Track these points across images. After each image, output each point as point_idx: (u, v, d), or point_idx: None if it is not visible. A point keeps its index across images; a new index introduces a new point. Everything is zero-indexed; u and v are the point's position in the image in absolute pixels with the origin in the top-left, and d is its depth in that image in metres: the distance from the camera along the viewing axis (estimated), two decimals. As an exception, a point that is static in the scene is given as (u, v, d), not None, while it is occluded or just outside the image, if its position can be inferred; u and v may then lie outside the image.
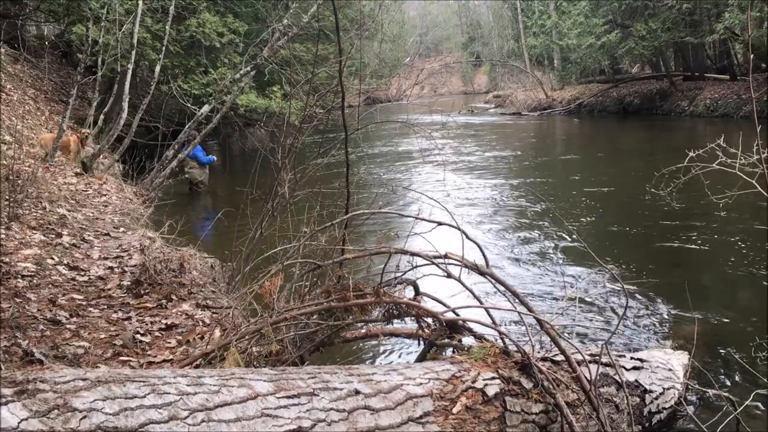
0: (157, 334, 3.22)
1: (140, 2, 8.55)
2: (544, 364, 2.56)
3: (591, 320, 4.55)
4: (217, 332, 3.18)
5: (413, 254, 2.94)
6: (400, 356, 4.06)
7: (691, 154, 3.64)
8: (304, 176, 4.85)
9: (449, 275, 2.83)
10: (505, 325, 4.16)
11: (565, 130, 20.94)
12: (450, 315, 2.83)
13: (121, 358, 2.91)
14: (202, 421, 1.67)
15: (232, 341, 2.55)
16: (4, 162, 5.63)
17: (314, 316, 2.90)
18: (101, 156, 8.37)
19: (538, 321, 2.62)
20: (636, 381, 2.89)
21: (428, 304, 2.96)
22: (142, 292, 3.73)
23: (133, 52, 8.69)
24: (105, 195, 6.91)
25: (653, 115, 21.64)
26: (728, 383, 3.54)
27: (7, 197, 4.81)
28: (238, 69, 10.82)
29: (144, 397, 1.62)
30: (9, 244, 4.25)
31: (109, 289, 3.75)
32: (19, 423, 1.39)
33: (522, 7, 33.32)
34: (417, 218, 3.26)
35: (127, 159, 8.99)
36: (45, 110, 10.20)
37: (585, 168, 12.20)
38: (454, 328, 2.84)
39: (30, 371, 1.59)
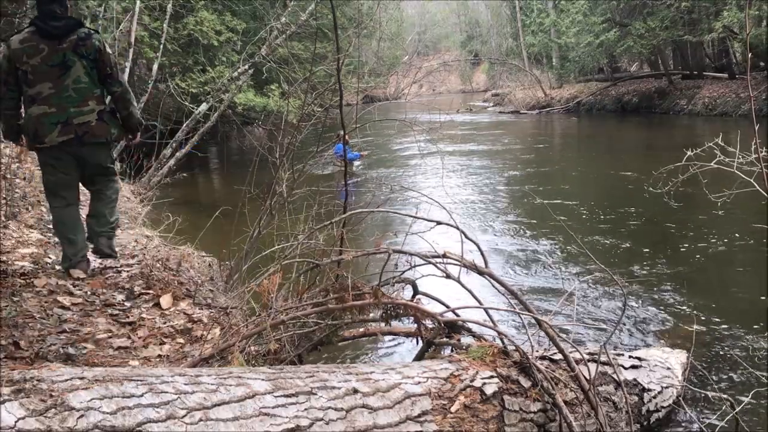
0: (154, 332, 3.22)
1: (138, 0, 8.53)
2: (542, 363, 2.55)
3: (589, 319, 4.56)
4: (216, 332, 3.17)
5: (412, 254, 2.93)
6: (398, 355, 4.06)
7: (689, 153, 3.64)
8: (303, 175, 4.84)
9: (448, 275, 2.83)
10: (505, 323, 4.16)
11: (564, 129, 20.94)
12: (449, 315, 2.83)
13: (119, 356, 2.90)
14: (200, 420, 1.66)
15: (236, 344, 2.53)
16: (3, 160, 5.61)
17: (312, 316, 2.90)
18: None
19: (537, 320, 2.62)
20: (634, 380, 2.90)
21: (427, 303, 2.96)
22: (140, 290, 3.72)
23: (131, 51, 8.67)
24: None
25: (652, 114, 21.66)
26: (727, 382, 3.54)
27: (5, 196, 4.80)
28: (236, 67, 10.82)
29: (141, 396, 1.62)
30: (6, 242, 4.24)
31: (106, 288, 3.74)
32: (16, 422, 1.39)
33: (520, 5, 33.31)
34: (415, 217, 3.26)
35: (125, 157, 8.98)
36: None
37: (583, 166, 12.21)
38: (453, 327, 2.84)
39: (27, 370, 1.59)
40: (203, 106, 10.08)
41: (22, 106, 3.73)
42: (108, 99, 3.92)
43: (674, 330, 4.28)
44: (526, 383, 2.46)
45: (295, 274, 3.32)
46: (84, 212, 4.19)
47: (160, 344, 3.09)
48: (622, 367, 2.89)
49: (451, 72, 52.80)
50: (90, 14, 8.34)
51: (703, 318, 4.36)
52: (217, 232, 5.18)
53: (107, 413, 1.51)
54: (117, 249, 4.29)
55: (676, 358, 3.36)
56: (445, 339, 2.82)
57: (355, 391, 2.07)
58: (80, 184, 4.03)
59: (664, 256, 5.91)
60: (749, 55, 3.34)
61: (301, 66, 11.17)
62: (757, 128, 3.12)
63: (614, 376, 2.74)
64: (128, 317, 3.35)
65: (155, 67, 9.72)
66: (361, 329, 3.21)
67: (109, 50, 3.80)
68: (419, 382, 2.26)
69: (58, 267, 3.92)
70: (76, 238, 3.81)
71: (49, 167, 3.75)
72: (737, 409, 2.92)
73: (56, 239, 4.38)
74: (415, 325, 2.89)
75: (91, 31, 3.74)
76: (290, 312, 2.82)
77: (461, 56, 50.59)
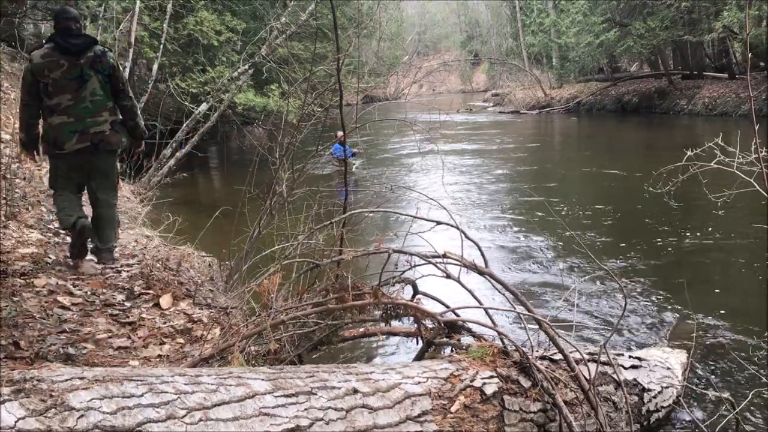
0: (154, 332, 3.22)
1: (138, 0, 8.53)
2: (542, 363, 2.55)
3: (589, 319, 4.56)
4: (216, 332, 3.17)
5: (412, 254, 2.93)
6: (398, 355, 4.06)
7: (689, 153, 3.64)
8: (302, 175, 4.84)
9: (448, 275, 2.82)
10: (505, 322, 4.16)
11: (564, 129, 20.94)
12: (449, 315, 2.83)
13: (119, 356, 2.90)
14: (200, 420, 1.66)
15: (236, 344, 2.53)
16: (3, 160, 5.62)
17: (312, 316, 2.90)
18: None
19: (537, 320, 2.62)
20: (634, 380, 2.89)
21: (427, 303, 2.96)
22: (140, 290, 3.72)
23: (131, 51, 8.67)
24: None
25: (652, 114, 21.66)
26: (727, 382, 3.54)
27: (5, 195, 4.80)
28: (236, 67, 10.81)
29: (141, 396, 1.62)
30: (6, 242, 4.24)
31: (106, 288, 3.74)
32: (16, 422, 1.39)
33: (520, 5, 33.31)
34: (416, 217, 3.26)
35: (125, 157, 8.96)
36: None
37: (583, 167, 12.21)
38: (453, 327, 2.84)
39: (27, 370, 1.59)
40: (203, 106, 10.07)
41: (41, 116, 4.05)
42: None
43: (674, 330, 4.28)
44: (526, 383, 2.46)
45: (295, 274, 3.32)
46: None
47: (160, 344, 3.09)
48: (622, 367, 2.89)
49: (451, 72, 52.76)
50: (90, 14, 8.34)
51: (703, 318, 4.35)
52: (217, 232, 5.18)
53: (107, 413, 1.51)
54: (117, 248, 4.34)
55: (676, 358, 3.36)
56: (445, 339, 2.82)
57: (355, 391, 2.07)
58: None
59: (665, 256, 5.91)
60: (749, 55, 3.34)
61: (301, 66, 11.16)
62: (757, 128, 3.12)
63: (614, 376, 2.74)
64: (128, 317, 3.35)
65: (155, 67, 9.71)
66: (361, 329, 3.21)
67: (120, 67, 4.21)
68: (419, 382, 2.26)
69: (57, 267, 3.93)
70: (74, 213, 4.06)
71: (59, 169, 4.08)
72: (737, 409, 2.92)
73: (56, 239, 4.41)
74: (415, 325, 2.89)
75: (105, 49, 4.10)
76: (290, 312, 2.82)
77: (461, 56, 50.53)
